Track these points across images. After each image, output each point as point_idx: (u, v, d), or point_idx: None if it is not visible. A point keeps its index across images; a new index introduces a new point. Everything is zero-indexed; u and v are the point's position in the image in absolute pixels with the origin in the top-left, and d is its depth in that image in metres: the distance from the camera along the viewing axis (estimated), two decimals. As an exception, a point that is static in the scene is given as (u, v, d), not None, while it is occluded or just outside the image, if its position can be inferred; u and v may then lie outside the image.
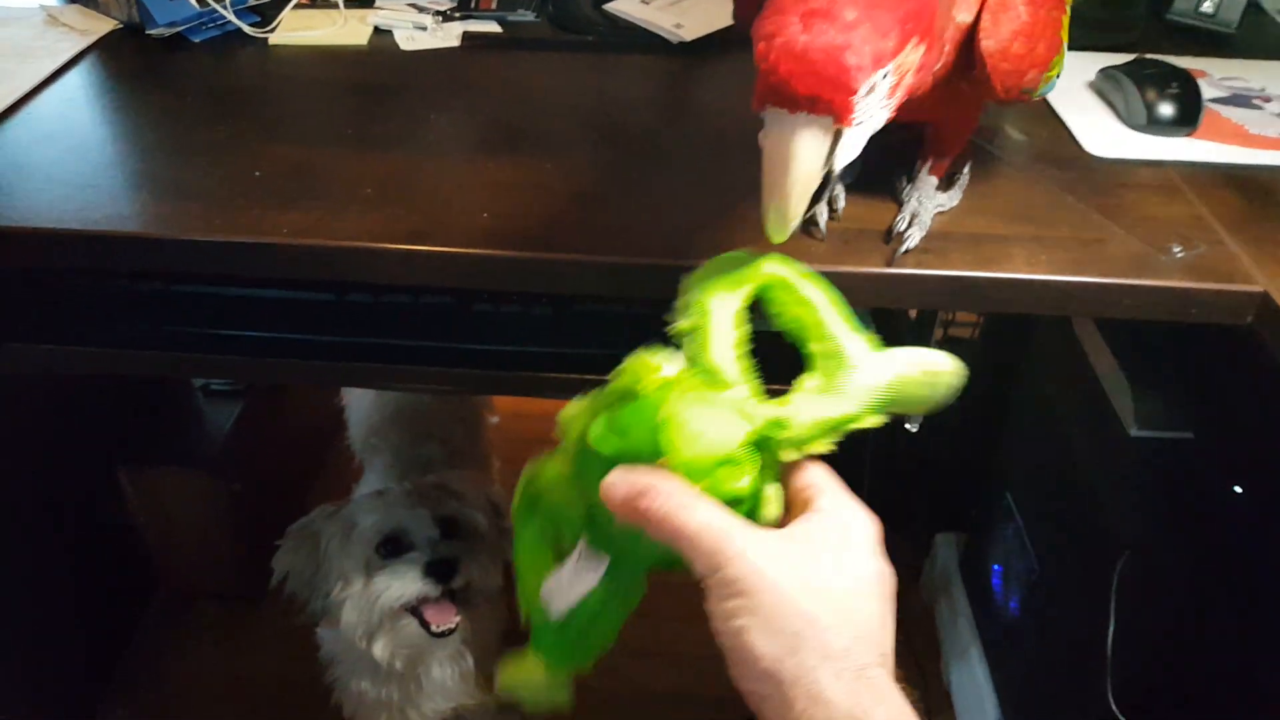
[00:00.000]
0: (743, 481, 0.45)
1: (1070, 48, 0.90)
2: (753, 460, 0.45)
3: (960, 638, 1.25)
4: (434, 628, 0.95)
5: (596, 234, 0.64)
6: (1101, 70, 0.84)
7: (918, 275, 0.62)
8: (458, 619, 0.96)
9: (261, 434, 1.40)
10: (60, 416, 1.20)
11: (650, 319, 0.74)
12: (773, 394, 0.48)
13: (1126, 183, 0.72)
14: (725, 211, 0.66)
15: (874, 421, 0.48)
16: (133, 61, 0.88)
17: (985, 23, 0.56)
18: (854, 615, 0.42)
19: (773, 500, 0.46)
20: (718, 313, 0.49)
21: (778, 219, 0.48)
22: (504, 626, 1.15)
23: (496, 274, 0.64)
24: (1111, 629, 0.82)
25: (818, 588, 0.41)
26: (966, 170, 0.70)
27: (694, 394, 0.46)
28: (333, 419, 1.68)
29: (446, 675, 1.06)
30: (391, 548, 0.97)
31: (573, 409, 0.49)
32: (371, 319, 0.73)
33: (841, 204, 0.66)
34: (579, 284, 0.64)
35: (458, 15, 0.94)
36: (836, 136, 0.47)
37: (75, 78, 0.84)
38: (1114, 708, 0.80)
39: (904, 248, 0.62)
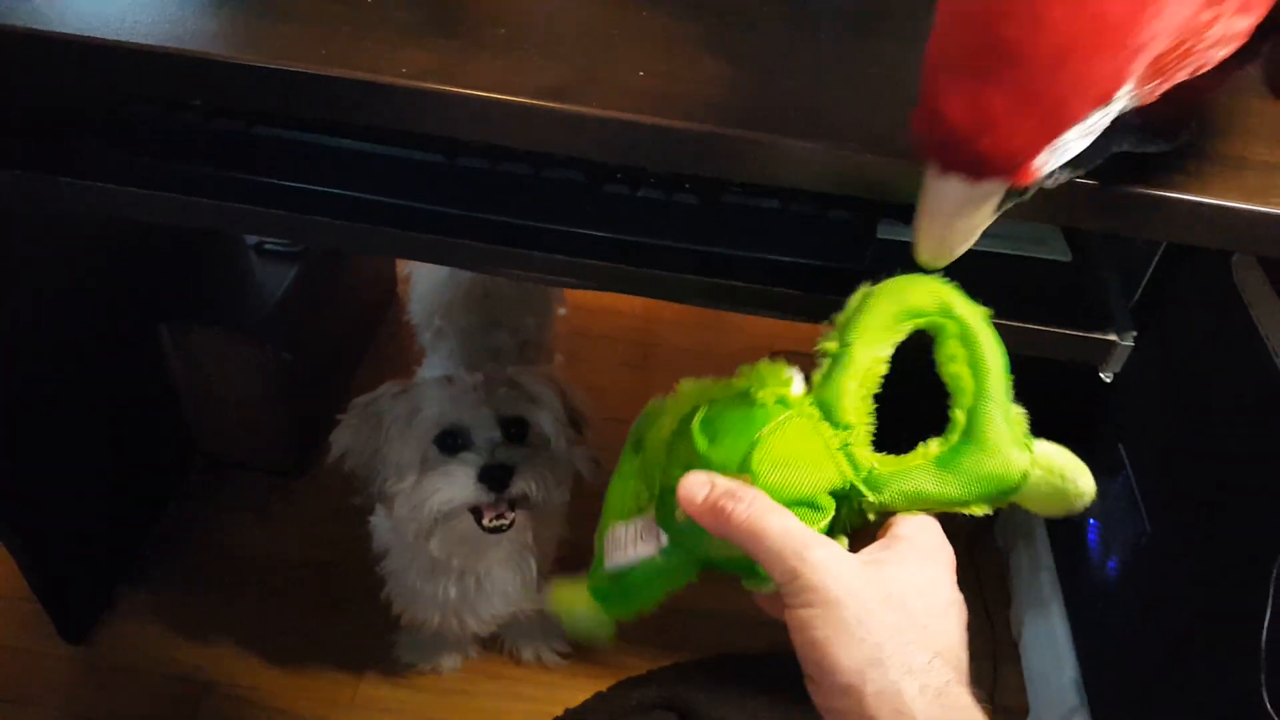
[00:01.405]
0: (817, 525, 0.44)
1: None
2: (830, 507, 0.45)
3: (1039, 590, 1.18)
4: (485, 522, 0.88)
5: (776, 108, 0.53)
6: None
7: (1161, 197, 0.51)
8: (513, 515, 0.88)
9: (315, 301, 1.31)
10: (104, 266, 1.12)
11: (812, 220, 0.63)
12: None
13: None
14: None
15: (977, 510, 0.47)
16: None
17: None
18: (935, 632, 0.42)
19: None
20: (861, 345, 0.47)
21: (930, 260, 0.44)
22: (564, 535, 1.09)
23: (647, 147, 0.53)
24: (1268, 621, 0.73)
25: (899, 603, 0.41)
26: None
27: (801, 422, 0.45)
28: (386, 292, 1.60)
29: (506, 580, 0.99)
30: (450, 443, 0.89)
31: (692, 384, 0.50)
32: (484, 190, 0.63)
33: None
34: (750, 169, 0.53)
35: None
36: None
37: None
38: (1269, 707, 0.72)
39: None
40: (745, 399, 0.46)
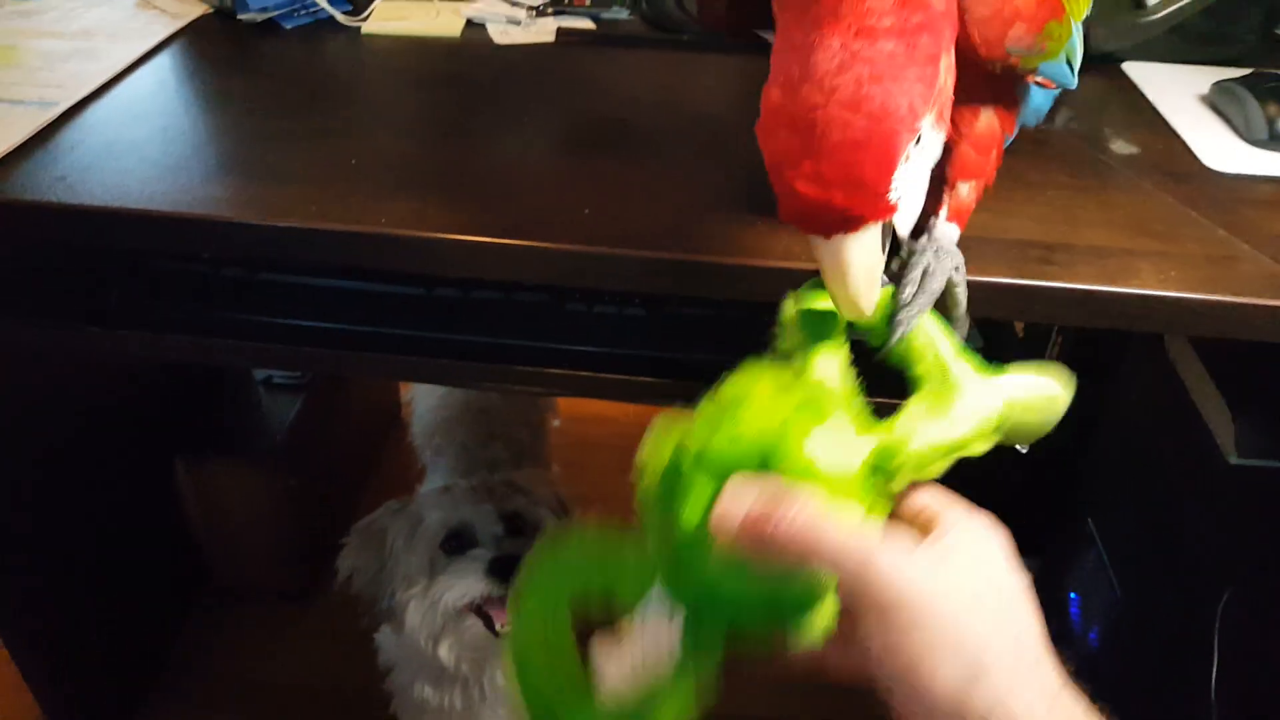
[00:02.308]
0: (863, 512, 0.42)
1: (1177, 60, 0.88)
2: (867, 488, 0.43)
3: (1029, 668, 1.21)
4: (498, 626, 0.93)
5: (700, 234, 0.62)
6: (1216, 84, 0.81)
7: (1046, 288, 0.59)
8: None
9: (321, 430, 1.39)
10: (120, 403, 1.20)
11: (746, 323, 0.72)
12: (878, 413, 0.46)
13: (1250, 199, 0.69)
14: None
15: (983, 447, 0.46)
16: (224, 45, 0.87)
17: None
18: (1021, 630, 0.38)
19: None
20: (819, 330, 0.48)
21: (851, 311, 0.46)
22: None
23: (598, 271, 0.62)
24: (1215, 667, 0.78)
25: (981, 604, 0.37)
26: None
27: (806, 411, 0.43)
28: (388, 418, 1.68)
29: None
30: (456, 544, 0.95)
31: (655, 442, 0.46)
32: (462, 315, 0.71)
33: None
34: (682, 284, 0.62)
35: (551, 11, 0.92)
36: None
37: (166, 59, 0.84)
38: (1219, 751, 0.76)
39: (898, 332, 0.50)
40: (737, 408, 0.43)
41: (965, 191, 0.56)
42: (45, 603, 1.10)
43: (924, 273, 0.52)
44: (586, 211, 0.64)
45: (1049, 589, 1.23)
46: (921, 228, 0.53)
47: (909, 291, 0.51)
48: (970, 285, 0.58)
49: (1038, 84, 0.55)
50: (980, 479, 1.29)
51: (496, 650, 0.98)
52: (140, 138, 0.71)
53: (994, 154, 0.56)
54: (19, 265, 0.76)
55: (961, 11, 0.48)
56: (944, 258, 0.53)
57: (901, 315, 0.50)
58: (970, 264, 0.59)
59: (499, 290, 0.72)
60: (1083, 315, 0.60)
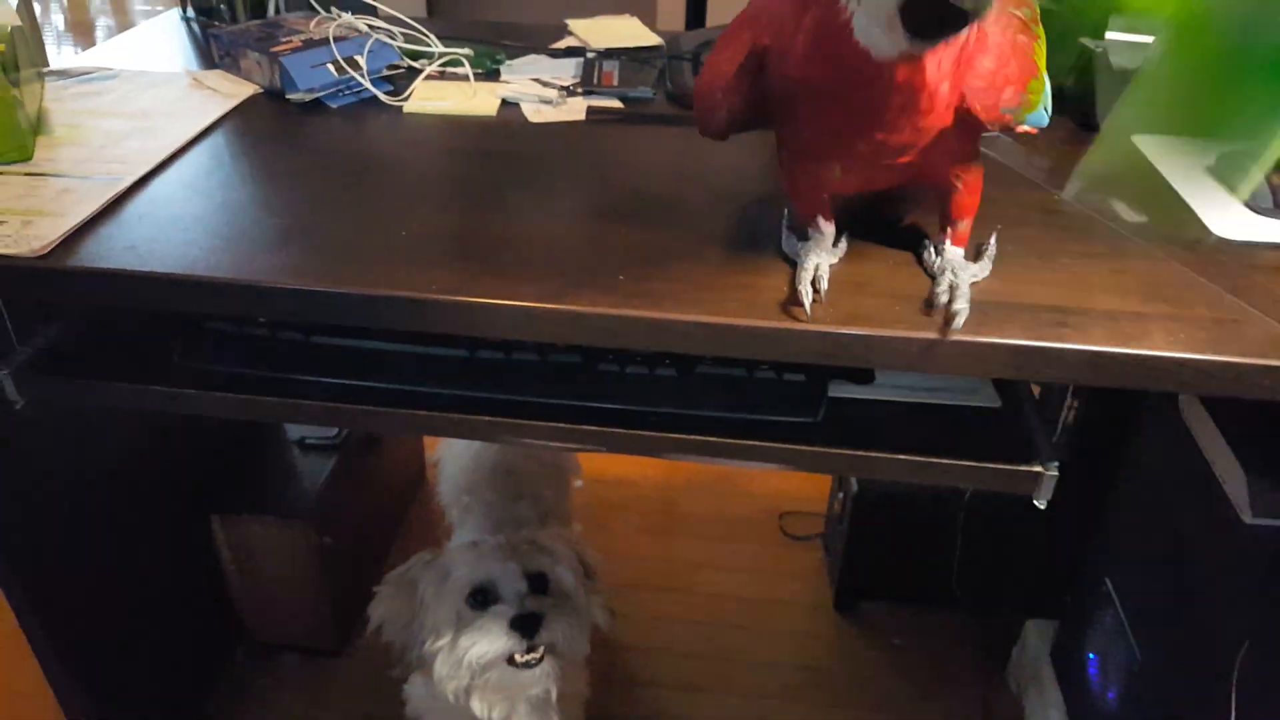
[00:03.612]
0: None
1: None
2: None
3: (1053, 729, 1.21)
4: (517, 658, 0.95)
5: (728, 300, 0.66)
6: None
7: (1059, 349, 0.62)
8: (542, 651, 0.95)
9: (352, 489, 1.42)
10: (160, 462, 1.24)
11: (773, 384, 0.75)
12: None
13: (1257, 264, 0.72)
14: (857, 276, 0.68)
15: None
16: (274, 123, 0.92)
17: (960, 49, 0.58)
18: None
19: None
20: None
21: None
22: (587, 696, 1.15)
23: (632, 334, 0.65)
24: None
25: None
26: (993, 241, 0.71)
27: None
28: (415, 479, 1.72)
29: (535, 734, 1.05)
30: (481, 599, 0.97)
31: None
32: (502, 375, 0.75)
33: (825, 285, 0.65)
34: (713, 346, 0.65)
35: (581, 91, 0.98)
36: None
37: (220, 137, 0.89)
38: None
39: (957, 323, 0.62)
40: None
41: (964, 225, 0.69)
42: (90, 653, 1.12)
43: (952, 284, 0.64)
44: (621, 278, 0.68)
45: (1069, 650, 1.24)
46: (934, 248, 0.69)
47: (950, 304, 0.63)
48: (987, 346, 0.62)
49: (1024, 133, 0.65)
50: (1001, 542, 1.32)
51: (521, 687, 1.00)
52: (201, 210, 0.76)
53: (979, 192, 0.68)
54: (90, 330, 0.81)
55: (960, 89, 0.58)
56: (961, 272, 0.66)
57: (954, 323, 0.62)
58: (987, 327, 0.63)
59: (536, 352, 0.75)
60: (1096, 375, 0.63)
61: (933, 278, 0.67)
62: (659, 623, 1.49)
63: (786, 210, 0.74)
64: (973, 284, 0.66)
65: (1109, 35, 0.97)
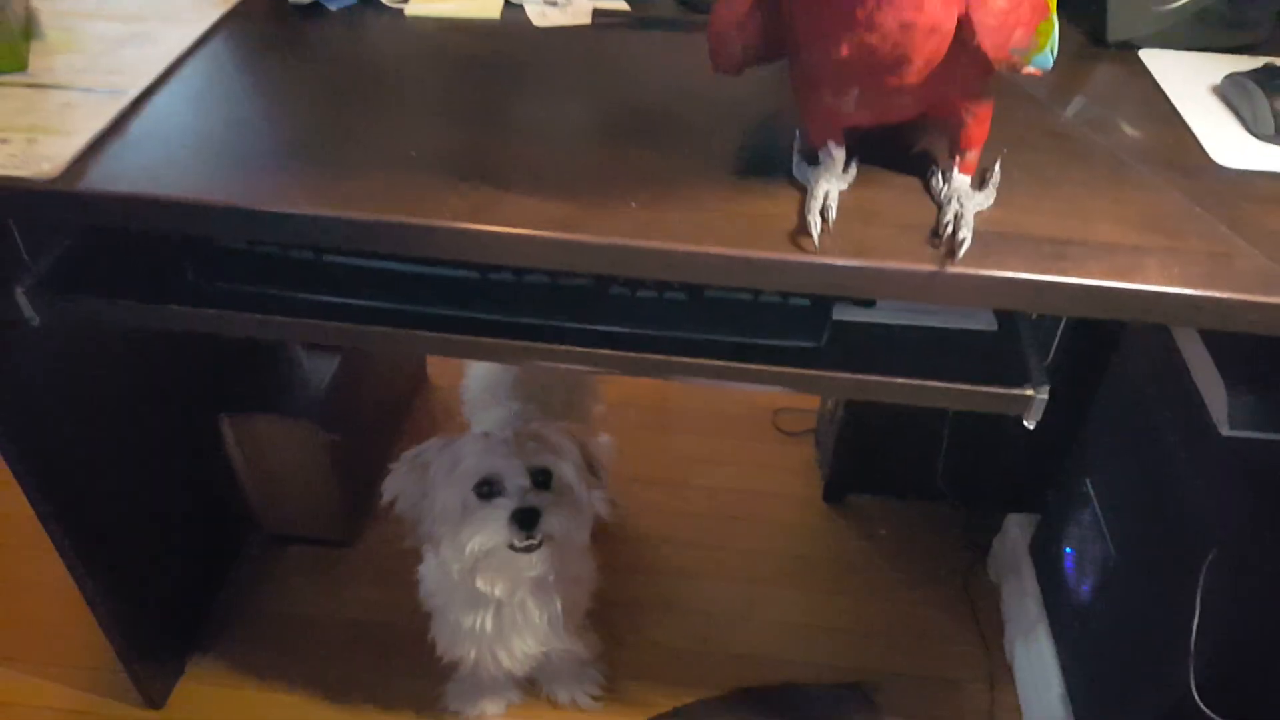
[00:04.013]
0: None
1: (1194, 47, 0.92)
2: None
3: (1027, 615, 1.29)
4: (515, 543, 1.00)
5: (737, 229, 0.67)
6: (1228, 75, 0.85)
7: (1057, 283, 0.64)
8: (540, 537, 1.01)
9: (357, 387, 1.45)
10: (171, 366, 1.26)
11: (779, 308, 0.77)
12: None
13: (1253, 195, 0.74)
14: (865, 203, 0.69)
15: None
16: (273, 29, 0.91)
17: None
18: None
19: None
20: None
21: None
22: (594, 586, 1.21)
23: (645, 264, 0.67)
24: (1196, 622, 0.85)
25: None
26: (997, 168, 0.71)
27: None
28: (417, 374, 1.75)
29: (535, 616, 1.12)
30: (486, 490, 1.02)
31: None
32: (514, 298, 0.76)
33: (833, 215, 0.67)
34: (724, 276, 0.67)
35: (586, -8, 0.96)
36: None
37: (219, 45, 0.88)
38: (1196, 698, 0.83)
39: (960, 253, 0.64)
40: None
41: (972, 154, 0.70)
42: (113, 546, 1.17)
43: (957, 213, 0.66)
44: (633, 205, 0.69)
45: (1047, 544, 1.30)
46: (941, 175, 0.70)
47: (955, 234, 0.65)
48: (987, 279, 0.64)
49: (1029, 74, 0.65)
50: (986, 440, 1.36)
51: (521, 568, 1.05)
52: (207, 128, 0.76)
53: (989, 123, 0.69)
54: (101, 247, 0.81)
55: (971, 25, 0.59)
56: (966, 202, 0.67)
57: (959, 253, 0.64)
58: (988, 259, 0.65)
59: (548, 275, 0.77)
60: (1092, 309, 0.65)
61: (939, 206, 0.68)
62: (656, 514, 1.55)
63: (798, 133, 0.74)
64: (977, 213, 0.68)
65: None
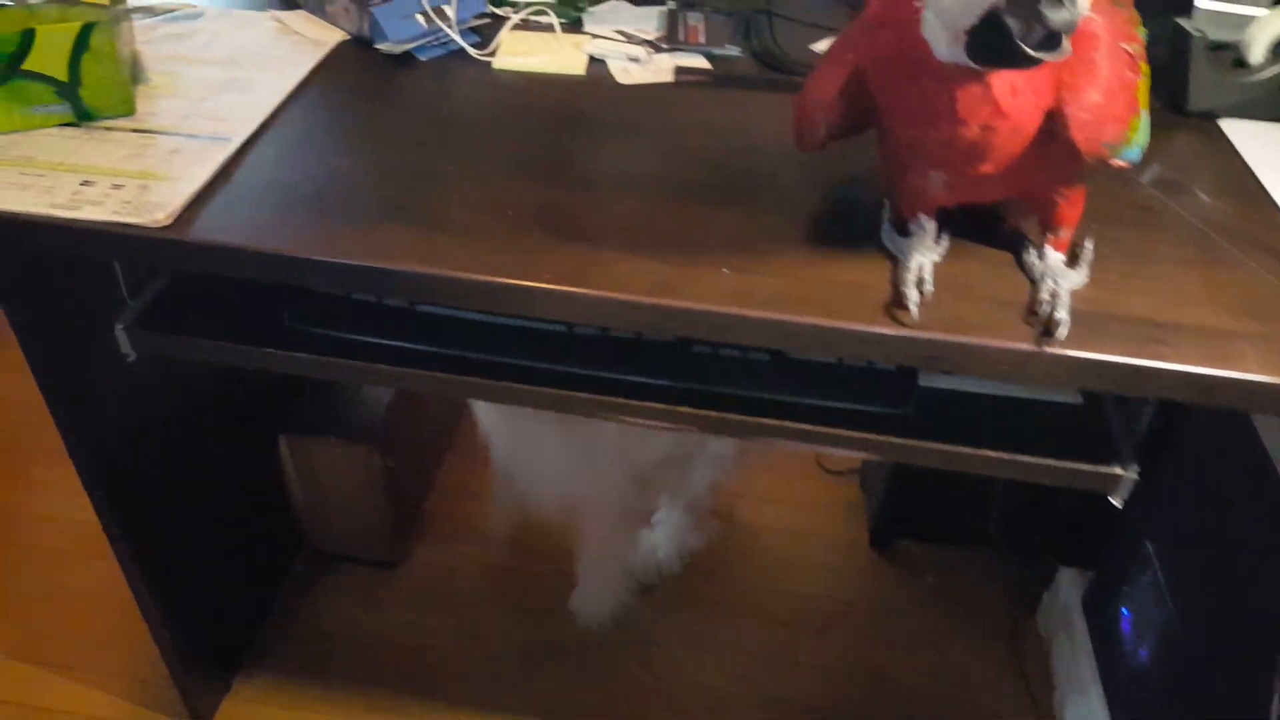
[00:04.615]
0: None
1: (1277, 119, 0.91)
2: None
3: (1079, 675, 1.28)
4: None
5: (825, 297, 0.68)
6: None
7: (1157, 369, 0.64)
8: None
9: (411, 411, 1.47)
10: (233, 386, 1.28)
11: (864, 374, 0.78)
12: None
13: (1345, 276, 0.73)
14: (958, 276, 0.69)
15: None
16: (365, 78, 0.92)
17: (1064, 76, 0.60)
18: None
19: None
20: None
21: None
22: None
23: (742, 332, 0.67)
24: (1276, 708, 0.84)
25: None
26: (1089, 245, 0.72)
27: None
28: (459, 407, 1.76)
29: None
30: None
31: None
32: (599, 352, 0.78)
33: (929, 287, 0.68)
34: (820, 347, 0.68)
35: (665, 47, 0.97)
36: None
37: (315, 93, 0.89)
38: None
39: (1058, 333, 0.64)
40: None
41: (1065, 232, 0.71)
42: (171, 558, 1.18)
43: (1053, 292, 0.66)
44: (725, 271, 0.70)
45: (1101, 602, 1.29)
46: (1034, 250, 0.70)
47: (1052, 313, 0.65)
48: (1085, 361, 0.64)
49: (1116, 165, 0.66)
50: (1041, 491, 1.34)
51: None
52: (309, 179, 0.77)
53: (1082, 204, 0.70)
54: (197, 287, 0.83)
55: (1065, 119, 0.60)
56: (1062, 280, 0.68)
57: (1057, 333, 0.64)
58: (1085, 340, 0.65)
59: (633, 331, 0.78)
60: (1190, 394, 0.65)
61: (1033, 282, 0.69)
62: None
63: (887, 202, 0.75)
64: (1072, 292, 0.68)
65: (1199, 3, 0.95)
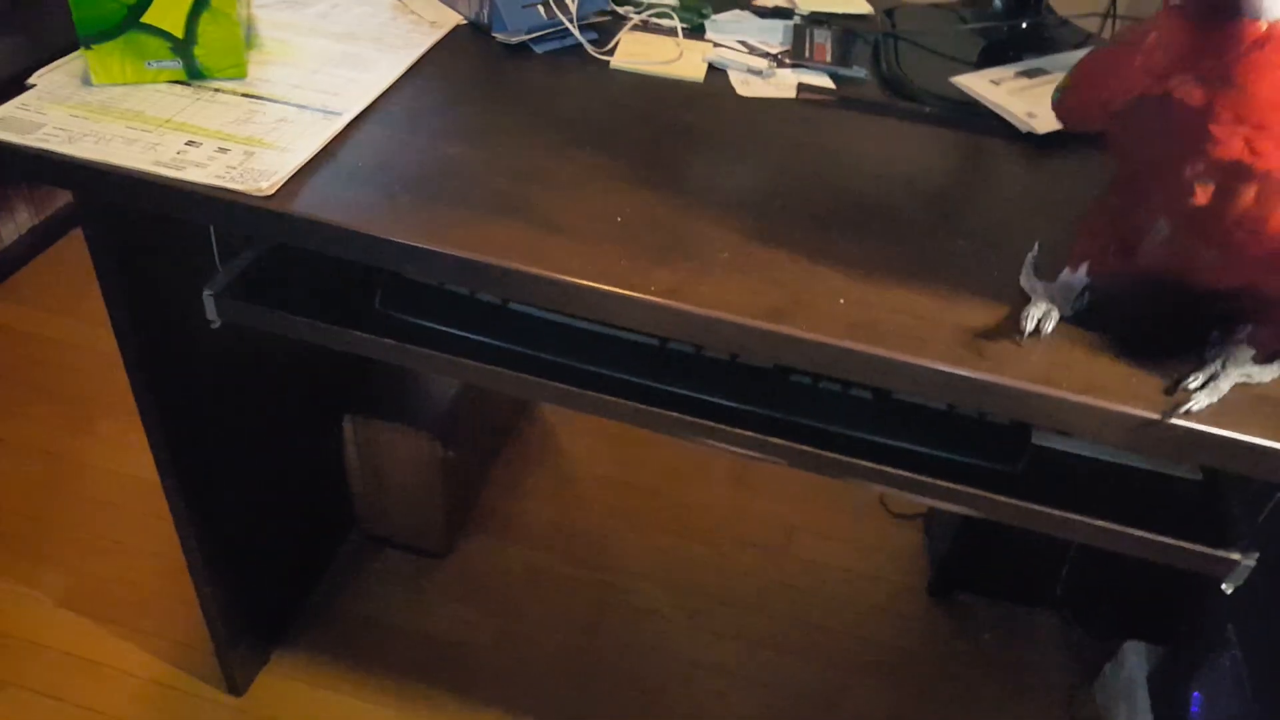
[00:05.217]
0: None
1: None
2: None
3: (1140, 755, 1.21)
4: None
5: (955, 338, 0.64)
6: None
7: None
8: None
9: (475, 403, 1.45)
10: (304, 360, 1.27)
11: (974, 425, 0.73)
12: None
13: None
14: (1097, 340, 0.65)
15: None
16: (481, 65, 0.91)
17: None
18: None
19: None
20: None
21: None
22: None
23: (854, 368, 0.64)
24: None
25: None
26: None
27: None
28: (521, 406, 1.75)
29: None
30: None
31: None
32: (691, 371, 0.75)
33: (1050, 327, 0.64)
34: (938, 392, 0.64)
35: (790, 62, 0.94)
36: None
37: (427, 76, 0.88)
38: None
39: (1186, 407, 0.59)
40: None
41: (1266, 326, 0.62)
42: (226, 526, 1.18)
43: (1213, 375, 0.61)
44: (841, 302, 0.66)
45: (1169, 681, 1.23)
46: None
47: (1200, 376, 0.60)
48: (1216, 438, 0.59)
49: None
50: (1115, 556, 1.27)
51: None
52: (415, 164, 0.75)
53: None
54: (290, 259, 0.82)
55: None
56: (1231, 367, 0.61)
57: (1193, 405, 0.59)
58: (1217, 414, 0.60)
59: (726, 352, 0.75)
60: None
61: (1202, 363, 0.62)
62: (752, 578, 1.52)
63: (1037, 244, 0.70)
64: (1242, 383, 0.62)
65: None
